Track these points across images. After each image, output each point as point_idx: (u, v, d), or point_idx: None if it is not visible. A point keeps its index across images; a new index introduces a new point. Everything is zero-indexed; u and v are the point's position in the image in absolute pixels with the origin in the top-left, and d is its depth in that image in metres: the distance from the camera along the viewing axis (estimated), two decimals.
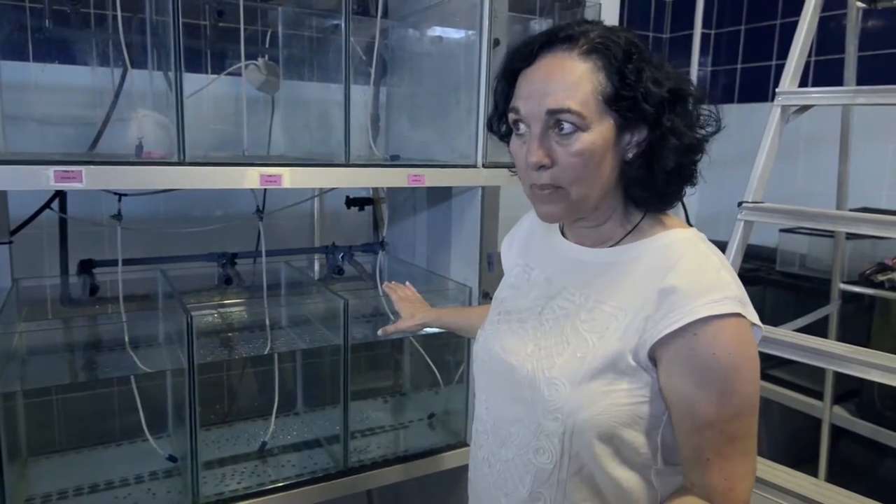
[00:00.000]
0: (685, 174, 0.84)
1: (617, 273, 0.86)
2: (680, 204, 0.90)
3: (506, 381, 0.91)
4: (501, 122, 0.91)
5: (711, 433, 0.78)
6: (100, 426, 1.69)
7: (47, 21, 1.48)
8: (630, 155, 0.83)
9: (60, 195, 1.59)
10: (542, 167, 0.81)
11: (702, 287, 0.79)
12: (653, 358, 0.80)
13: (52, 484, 1.46)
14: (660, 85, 0.79)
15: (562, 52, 0.81)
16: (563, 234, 0.96)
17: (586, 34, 0.80)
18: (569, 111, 0.78)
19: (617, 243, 0.88)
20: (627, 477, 0.84)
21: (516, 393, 0.88)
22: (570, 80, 0.79)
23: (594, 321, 0.84)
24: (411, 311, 1.31)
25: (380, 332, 1.33)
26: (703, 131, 0.84)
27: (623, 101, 0.79)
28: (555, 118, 0.79)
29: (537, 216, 0.88)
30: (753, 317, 0.80)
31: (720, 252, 0.86)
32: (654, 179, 0.83)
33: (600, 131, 0.79)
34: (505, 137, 0.92)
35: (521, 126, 0.83)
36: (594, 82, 0.79)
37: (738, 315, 0.78)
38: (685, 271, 0.81)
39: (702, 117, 0.84)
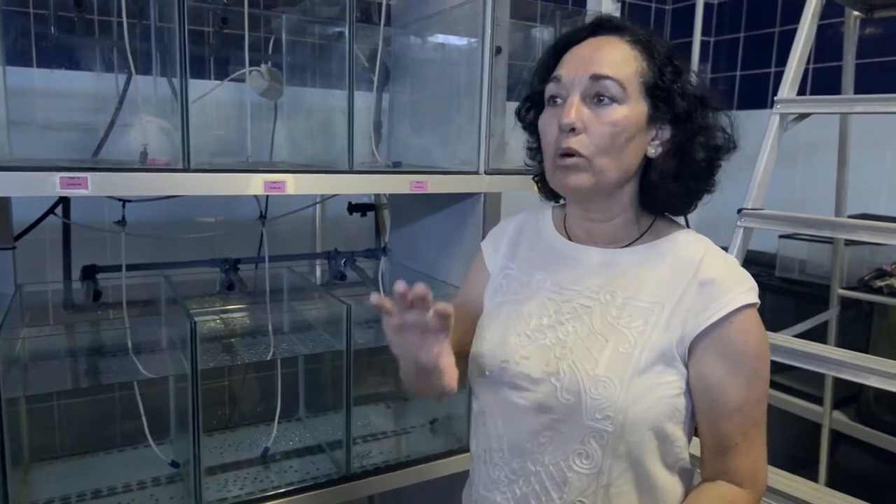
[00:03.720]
0: (711, 174, 0.89)
1: (644, 269, 0.88)
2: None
3: (530, 390, 0.87)
4: (529, 111, 0.94)
5: (739, 418, 0.83)
6: (102, 432, 1.69)
7: (52, 27, 1.49)
8: (654, 152, 0.87)
9: (64, 201, 1.59)
10: (572, 130, 0.83)
11: (735, 278, 0.85)
12: (689, 349, 0.84)
13: (55, 490, 1.46)
14: (694, 87, 0.86)
15: (611, 36, 0.86)
16: (566, 236, 0.97)
17: (633, 30, 0.87)
18: (612, 78, 0.82)
19: (633, 242, 0.91)
20: (663, 475, 0.86)
21: (547, 400, 0.85)
22: (618, 56, 0.84)
23: (630, 316, 0.86)
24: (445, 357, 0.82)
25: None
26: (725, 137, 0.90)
27: (660, 92, 0.84)
28: (596, 87, 0.82)
29: (562, 190, 0.89)
30: None
31: None
32: (683, 173, 0.87)
33: (635, 110, 0.83)
34: (530, 126, 0.95)
35: (558, 99, 0.86)
36: (638, 66, 0.84)
37: (756, 304, 0.84)
38: (716, 264, 0.86)
39: (724, 127, 0.90)
